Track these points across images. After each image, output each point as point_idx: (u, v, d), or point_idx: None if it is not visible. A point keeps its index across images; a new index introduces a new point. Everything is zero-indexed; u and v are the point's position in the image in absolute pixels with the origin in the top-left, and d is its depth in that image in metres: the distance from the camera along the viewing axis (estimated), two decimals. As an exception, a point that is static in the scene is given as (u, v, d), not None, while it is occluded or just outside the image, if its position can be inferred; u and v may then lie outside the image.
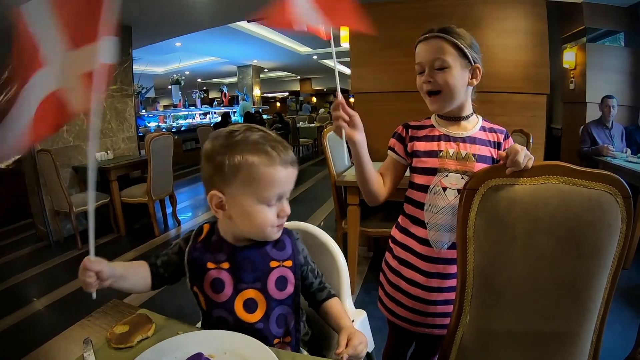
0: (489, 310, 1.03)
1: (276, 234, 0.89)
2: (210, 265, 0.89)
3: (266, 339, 0.85)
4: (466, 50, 1.10)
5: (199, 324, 0.99)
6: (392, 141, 1.27)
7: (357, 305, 1.14)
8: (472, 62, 1.12)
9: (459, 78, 1.11)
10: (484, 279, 1.02)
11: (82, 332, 0.89)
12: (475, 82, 1.15)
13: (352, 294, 1.14)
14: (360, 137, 1.08)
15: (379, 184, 1.23)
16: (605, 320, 0.98)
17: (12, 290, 3.07)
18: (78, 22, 0.77)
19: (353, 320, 1.02)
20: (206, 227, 0.96)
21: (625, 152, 3.64)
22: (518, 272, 0.97)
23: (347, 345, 0.80)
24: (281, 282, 0.90)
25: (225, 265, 0.89)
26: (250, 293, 0.88)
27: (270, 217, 0.85)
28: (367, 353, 1.12)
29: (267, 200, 0.84)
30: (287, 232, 0.96)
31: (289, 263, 0.91)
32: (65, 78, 0.79)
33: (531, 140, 2.77)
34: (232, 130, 0.87)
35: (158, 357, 0.76)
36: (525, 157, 0.94)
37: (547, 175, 0.94)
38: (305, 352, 0.99)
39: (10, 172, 4.64)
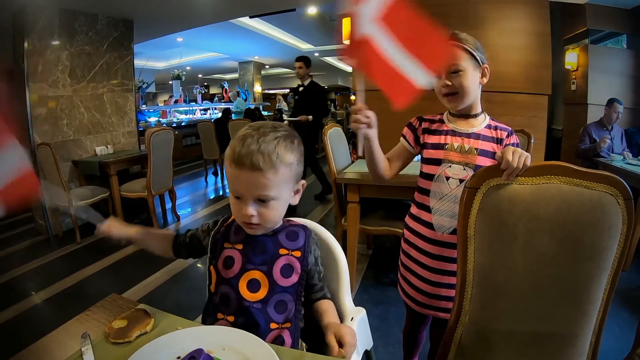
0: (488, 310, 1.03)
1: (249, 231, 0.93)
2: (226, 245, 0.96)
3: (263, 321, 0.89)
4: (475, 53, 1.22)
5: (197, 319, 0.99)
6: (405, 130, 1.41)
7: (356, 302, 1.13)
8: (481, 62, 1.25)
9: (472, 79, 1.23)
10: (484, 278, 1.02)
11: (80, 326, 0.89)
12: (485, 80, 1.28)
13: (351, 291, 1.13)
14: (374, 133, 1.22)
15: (386, 167, 1.38)
16: (605, 321, 0.98)
17: (10, 284, 3.06)
18: None
19: (352, 318, 1.02)
20: (233, 216, 1.00)
21: (625, 155, 3.63)
22: (518, 271, 0.97)
23: (340, 345, 0.83)
24: (287, 270, 0.93)
25: (239, 246, 0.95)
26: (256, 274, 0.92)
27: (235, 210, 0.90)
28: (366, 351, 1.12)
29: (233, 194, 0.89)
30: (304, 228, 1.00)
31: (298, 253, 0.95)
32: None
33: (532, 141, 2.77)
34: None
35: (156, 352, 0.76)
36: (521, 157, 0.95)
37: (549, 176, 0.94)
38: (304, 346, 1.00)
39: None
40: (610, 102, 3.86)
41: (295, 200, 0.97)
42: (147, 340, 0.80)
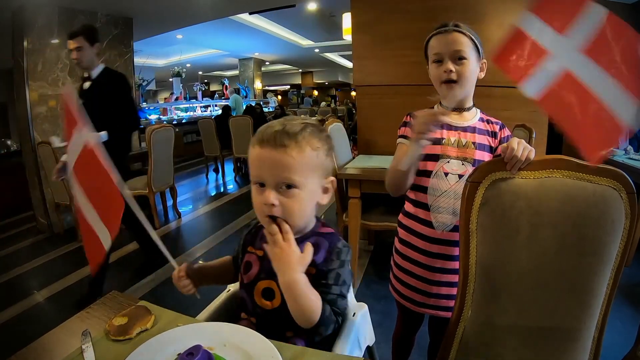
0: (491, 305, 1.02)
1: (268, 225, 0.81)
2: (250, 249, 0.95)
3: (281, 325, 0.86)
4: (478, 45, 1.20)
5: (199, 316, 0.98)
6: (404, 129, 1.31)
7: (358, 298, 1.13)
8: (481, 56, 1.22)
9: (474, 70, 1.20)
10: (487, 273, 1.01)
11: (81, 324, 0.89)
12: (482, 75, 1.25)
13: (353, 287, 1.13)
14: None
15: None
16: (607, 316, 0.97)
17: (12, 282, 3.08)
18: None
19: (354, 314, 1.01)
20: None
21: (627, 150, 3.62)
22: (521, 266, 0.96)
23: None
24: None
25: (260, 252, 0.92)
26: (271, 284, 0.88)
27: (257, 202, 0.82)
28: (368, 347, 1.12)
29: (253, 182, 0.83)
30: (331, 240, 0.89)
31: (312, 270, 0.84)
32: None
33: (534, 135, 2.76)
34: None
35: (157, 349, 0.76)
36: (525, 149, 0.94)
37: (552, 170, 0.93)
38: None
39: (11, 164, 4.65)
40: None
41: (324, 199, 0.88)
42: (147, 337, 0.79)
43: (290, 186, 0.80)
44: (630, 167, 3.06)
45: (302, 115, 0.91)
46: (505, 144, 0.97)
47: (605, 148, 0.87)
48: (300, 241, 0.83)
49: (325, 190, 0.88)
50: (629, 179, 0.89)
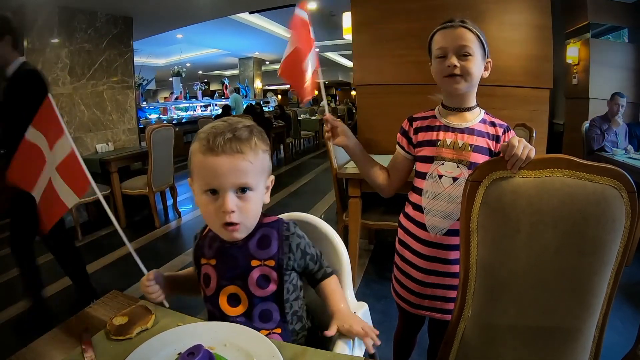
0: (491, 304, 1.02)
1: (230, 235, 0.85)
2: (203, 260, 0.94)
3: (253, 328, 0.85)
4: (484, 42, 1.15)
5: (199, 316, 0.98)
6: (398, 136, 1.33)
7: (358, 297, 1.13)
8: (487, 55, 1.18)
9: (478, 67, 1.16)
10: (487, 272, 1.01)
11: (81, 323, 0.89)
12: (487, 74, 1.20)
13: (353, 287, 1.13)
14: (346, 141, 1.26)
15: (382, 177, 1.35)
16: (608, 316, 0.97)
17: (12, 282, 3.07)
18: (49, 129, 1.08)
19: (355, 313, 1.01)
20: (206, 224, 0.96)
21: (627, 149, 3.62)
22: (521, 265, 0.96)
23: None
24: (262, 281, 0.89)
25: (213, 261, 0.92)
26: (232, 289, 0.90)
27: (211, 211, 0.83)
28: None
29: (203, 190, 0.83)
30: (277, 228, 0.93)
31: (271, 262, 0.89)
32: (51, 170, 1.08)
33: (534, 135, 2.76)
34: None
35: (157, 348, 0.76)
36: (525, 148, 0.94)
37: (552, 169, 0.93)
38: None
39: (9, 164, 4.62)
40: (612, 96, 3.85)
41: (267, 198, 0.92)
42: (148, 337, 0.79)
43: (244, 190, 0.83)
44: (630, 166, 3.07)
45: (237, 118, 0.92)
46: (505, 142, 0.96)
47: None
48: (249, 237, 0.90)
49: (267, 189, 0.92)
50: (630, 178, 0.89)
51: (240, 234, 0.86)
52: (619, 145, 3.79)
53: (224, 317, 0.89)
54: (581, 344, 0.98)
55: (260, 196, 0.87)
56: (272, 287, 0.90)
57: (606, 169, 0.90)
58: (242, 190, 0.82)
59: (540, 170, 0.94)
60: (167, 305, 0.97)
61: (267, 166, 0.89)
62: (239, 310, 0.89)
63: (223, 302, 0.90)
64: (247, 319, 0.89)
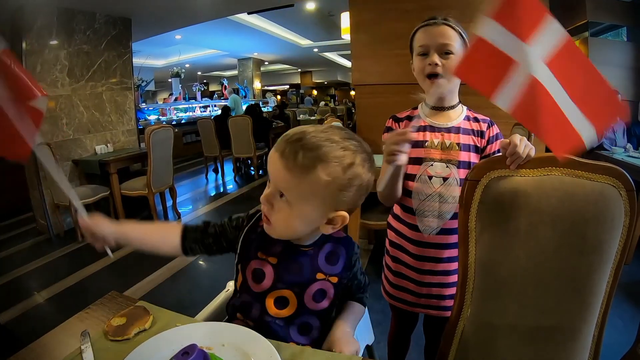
0: (490, 303, 1.02)
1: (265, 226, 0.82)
2: (260, 254, 0.87)
3: (282, 340, 0.82)
4: (467, 40, 1.13)
5: (197, 316, 0.98)
6: (385, 135, 1.26)
7: (357, 298, 1.13)
8: None
9: None
10: (486, 272, 1.01)
11: (80, 324, 0.89)
12: None
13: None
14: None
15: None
16: (607, 314, 0.97)
17: (12, 284, 3.07)
18: None
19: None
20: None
21: (626, 148, 3.63)
22: (520, 264, 0.96)
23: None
24: (319, 295, 0.87)
25: (273, 260, 0.86)
26: (286, 293, 0.85)
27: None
28: (367, 346, 1.12)
29: None
30: (346, 244, 0.91)
31: (334, 279, 0.88)
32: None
33: (532, 135, 2.76)
34: None
35: (155, 349, 0.75)
36: (526, 146, 0.93)
37: (551, 167, 0.93)
38: None
39: (10, 165, 4.63)
40: None
41: (327, 229, 0.80)
42: (146, 338, 0.79)
43: (282, 195, 0.76)
44: (629, 165, 3.07)
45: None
46: (506, 140, 0.95)
47: (568, 150, 0.88)
48: (318, 248, 0.87)
49: (330, 222, 0.79)
50: (628, 176, 0.89)
51: (274, 232, 0.81)
52: (617, 144, 3.79)
53: (263, 314, 0.85)
54: (581, 342, 0.98)
55: (297, 214, 0.77)
56: (325, 304, 0.88)
57: (605, 167, 0.90)
58: (281, 195, 0.76)
59: (538, 169, 0.94)
60: (111, 255, 0.96)
61: (330, 194, 0.74)
62: (284, 313, 0.86)
63: (270, 301, 0.85)
64: (286, 324, 0.86)
